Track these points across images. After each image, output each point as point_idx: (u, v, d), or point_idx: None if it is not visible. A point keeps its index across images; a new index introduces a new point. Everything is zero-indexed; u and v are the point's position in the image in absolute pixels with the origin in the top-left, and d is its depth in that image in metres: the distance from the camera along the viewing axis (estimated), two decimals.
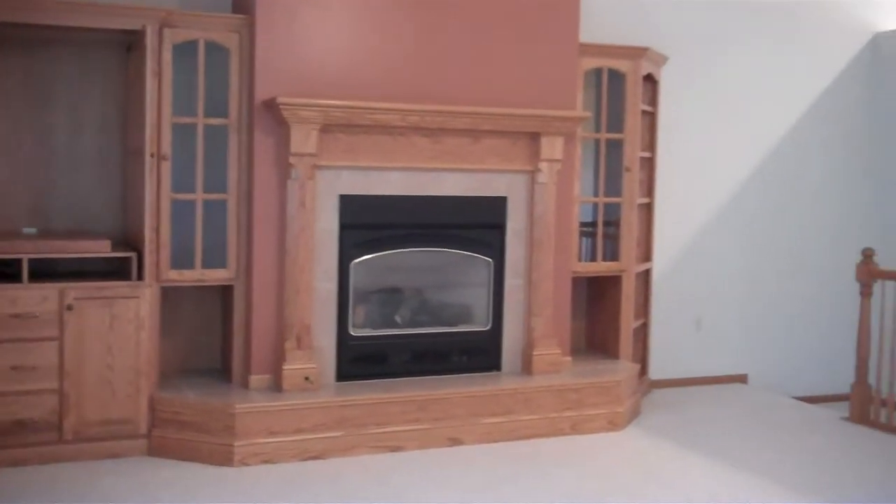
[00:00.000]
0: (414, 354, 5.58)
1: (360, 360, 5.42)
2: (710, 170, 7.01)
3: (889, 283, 6.02)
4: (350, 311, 5.37)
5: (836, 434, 5.91)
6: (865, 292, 6.09)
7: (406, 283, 5.85)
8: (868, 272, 6.07)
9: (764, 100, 7.13)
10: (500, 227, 5.70)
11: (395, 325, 5.67)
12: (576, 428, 5.59)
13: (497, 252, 5.70)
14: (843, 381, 6.32)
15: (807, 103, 7.29)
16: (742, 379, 7.13)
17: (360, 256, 5.39)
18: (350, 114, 5.14)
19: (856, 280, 6.11)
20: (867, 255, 6.09)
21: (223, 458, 4.84)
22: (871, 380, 6.11)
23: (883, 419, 6.03)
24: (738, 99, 7.03)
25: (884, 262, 6.09)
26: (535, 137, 5.63)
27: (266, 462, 4.88)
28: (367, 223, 5.43)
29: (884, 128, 7.40)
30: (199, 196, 5.15)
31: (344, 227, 5.32)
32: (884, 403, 6.06)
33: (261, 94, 5.09)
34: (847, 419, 6.18)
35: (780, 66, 7.15)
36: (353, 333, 5.39)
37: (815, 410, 6.56)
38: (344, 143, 5.23)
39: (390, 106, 5.21)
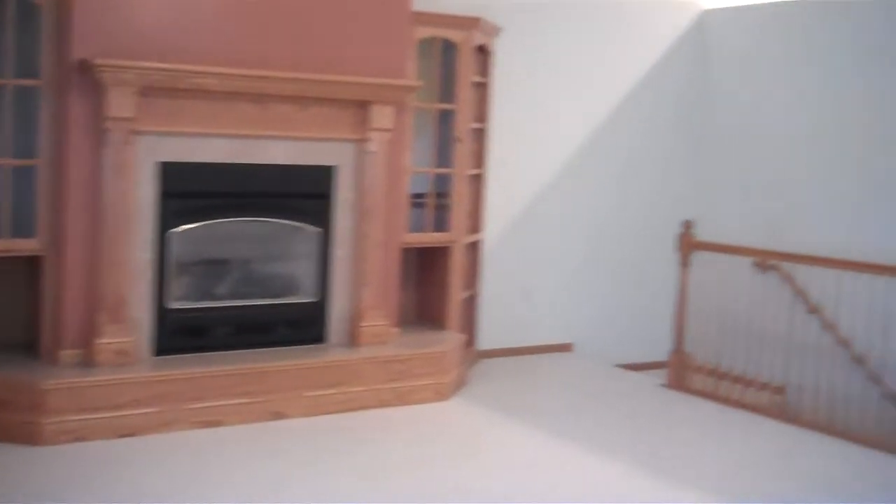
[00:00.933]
0: (237, 327, 5.45)
1: (179, 334, 5.26)
2: (541, 141, 7.09)
3: (707, 254, 6.22)
4: (169, 283, 5.19)
5: (654, 400, 6.11)
6: (684, 262, 6.29)
7: (231, 254, 5.69)
8: (687, 243, 6.28)
9: (595, 73, 7.24)
10: (328, 197, 5.61)
11: (217, 297, 5.52)
12: (402, 399, 5.59)
13: (325, 222, 5.62)
14: (663, 349, 6.52)
15: (636, 77, 7.45)
16: (567, 348, 7.29)
17: (180, 226, 5.21)
18: (170, 77, 4.94)
19: (675, 251, 6.31)
20: (687, 226, 6.29)
21: (31, 436, 4.62)
22: (689, 347, 6.34)
23: (699, 385, 6.27)
24: (570, 72, 7.12)
25: (703, 233, 6.29)
26: (364, 106, 5.55)
27: (78, 440, 4.68)
28: (189, 191, 5.25)
29: (709, 103, 7.63)
30: (4, 161, 4.86)
31: (164, 195, 5.12)
32: (699, 370, 6.30)
33: (76, 54, 4.82)
34: (665, 386, 6.40)
35: (611, 41, 7.28)
36: (172, 306, 5.21)
37: (635, 378, 6.77)
38: (165, 108, 5.03)
39: (212, 70, 5.03)
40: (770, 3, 7.17)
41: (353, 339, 5.68)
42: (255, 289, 5.68)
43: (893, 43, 6.32)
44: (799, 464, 4.99)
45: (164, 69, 4.91)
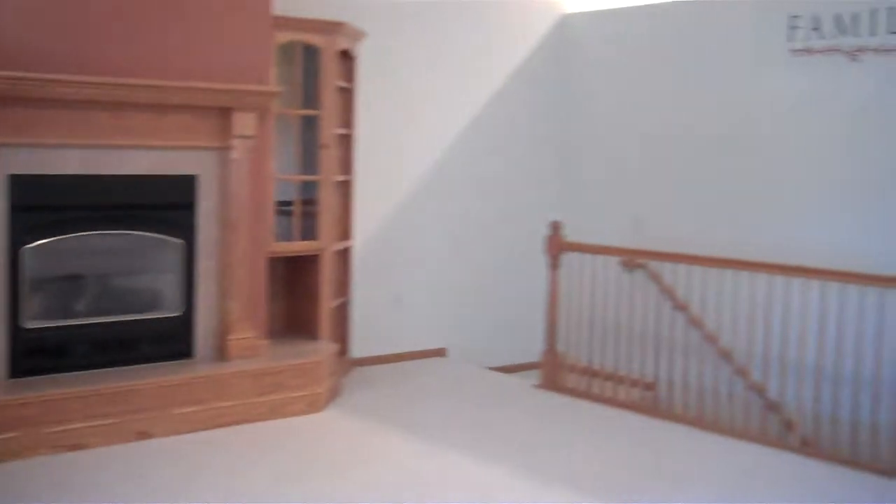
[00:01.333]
0: (98, 345, 5.22)
1: (36, 354, 5.00)
2: (408, 146, 7.05)
3: (575, 255, 6.28)
4: (23, 302, 4.93)
5: (529, 401, 6.13)
6: (554, 264, 6.34)
7: (90, 270, 5.44)
8: (556, 244, 6.33)
9: (459, 77, 7.25)
10: (190, 208, 5.44)
11: (76, 315, 5.26)
12: (275, 412, 5.46)
13: (188, 233, 5.44)
14: (536, 350, 6.56)
15: (500, 81, 7.49)
16: (441, 353, 7.27)
17: (33, 241, 4.96)
18: (17, 86, 4.69)
19: (545, 252, 6.35)
20: (555, 227, 6.34)
21: None
22: (561, 347, 6.39)
23: (572, 384, 6.32)
24: (434, 76, 7.11)
25: (571, 234, 6.35)
26: (226, 113, 5.40)
27: None
28: (43, 205, 5.00)
29: (572, 105, 7.73)
30: None
31: (16, 209, 4.87)
32: (571, 369, 6.35)
33: None
34: (539, 386, 6.43)
35: (474, 45, 7.30)
36: (27, 325, 4.96)
37: (509, 380, 6.79)
38: (15, 119, 4.78)
39: (63, 77, 4.81)
40: (626, 8, 7.31)
41: (221, 353, 5.51)
42: (117, 304, 5.45)
43: (740, 45, 6.51)
44: (672, 458, 5.07)
45: (13, 77, 4.66)
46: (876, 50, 5.80)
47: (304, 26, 5.86)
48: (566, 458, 5.01)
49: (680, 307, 6.01)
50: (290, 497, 4.36)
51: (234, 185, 5.47)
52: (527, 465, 4.87)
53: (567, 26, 7.72)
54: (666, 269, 6.08)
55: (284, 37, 5.80)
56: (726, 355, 5.72)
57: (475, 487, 4.57)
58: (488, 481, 4.66)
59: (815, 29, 6.08)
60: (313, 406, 5.60)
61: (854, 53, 5.90)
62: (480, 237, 7.47)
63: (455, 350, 7.28)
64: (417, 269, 7.17)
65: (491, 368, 7.11)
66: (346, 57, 6.31)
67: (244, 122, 5.45)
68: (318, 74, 5.97)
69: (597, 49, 7.56)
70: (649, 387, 6.01)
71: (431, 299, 7.26)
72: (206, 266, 5.48)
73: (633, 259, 6.27)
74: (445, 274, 7.32)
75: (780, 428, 5.41)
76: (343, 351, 6.44)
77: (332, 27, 5.95)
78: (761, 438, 5.34)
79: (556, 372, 6.39)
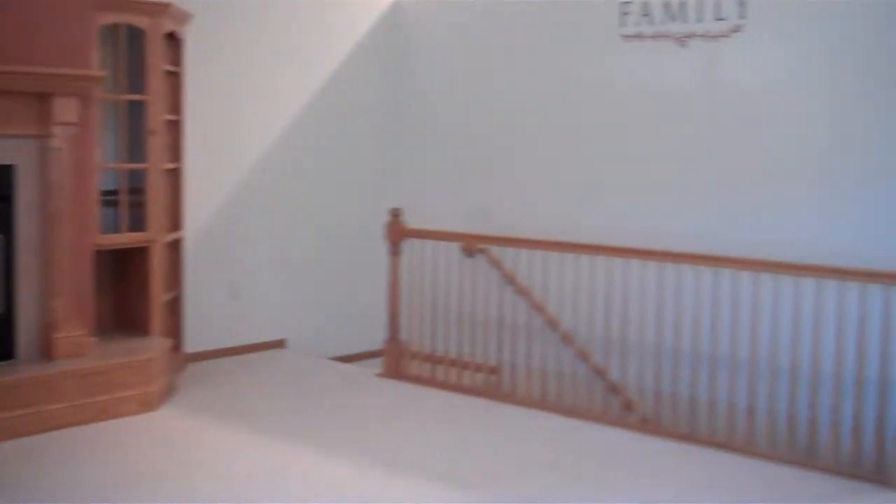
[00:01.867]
0: None
1: None
2: (240, 133, 6.83)
3: (417, 241, 6.22)
4: None
5: (372, 390, 6.04)
6: (395, 251, 6.27)
7: None
8: (396, 231, 6.25)
9: (294, 62, 7.07)
10: (9, 200, 5.09)
11: None
12: (107, 412, 5.18)
13: (7, 227, 5.09)
14: (378, 338, 6.48)
15: (335, 67, 7.34)
16: (281, 344, 7.09)
17: None
18: None
19: (385, 239, 6.27)
20: (395, 214, 6.26)
21: None
22: (403, 335, 6.33)
23: (415, 372, 6.27)
24: (267, 61, 6.91)
25: (413, 220, 6.29)
26: (45, 98, 5.07)
27: None
28: None
29: (411, 92, 7.64)
30: None
31: None
32: (414, 356, 6.30)
33: None
34: (382, 375, 6.35)
35: (307, 29, 7.12)
36: None
37: (351, 369, 6.69)
38: None
39: None
40: None
41: (46, 353, 5.19)
42: None
43: (575, 31, 6.59)
44: (519, 441, 5.08)
45: None
46: (703, 36, 5.96)
47: (128, 7, 5.57)
48: (413, 447, 4.95)
49: (521, 292, 6.04)
50: (123, 500, 4.13)
51: (55, 176, 5.14)
52: (373, 454, 4.79)
53: (402, 11, 7.63)
54: (508, 255, 6.08)
55: (107, 18, 5.50)
56: (568, 339, 5.78)
57: (321, 480, 4.45)
58: (334, 473, 4.54)
59: (646, 15, 6.20)
60: (147, 405, 5.34)
61: (682, 39, 6.05)
62: (319, 225, 7.32)
63: (295, 341, 7.11)
64: (254, 260, 6.96)
65: (333, 359, 6.99)
66: (173, 40, 6.04)
67: (65, 109, 5.13)
68: (143, 57, 5.68)
69: (434, 35, 7.51)
70: (493, 371, 6.01)
71: (269, 290, 7.07)
72: (27, 261, 5.14)
73: (473, 244, 6.26)
74: (284, 264, 7.13)
75: (620, 407, 5.51)
76: (177, 346, 6.19)
77: (157, 9, 5.67)
78: (603, 418, 5.43)
79: (399, 360, 6.32)
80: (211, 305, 6.64)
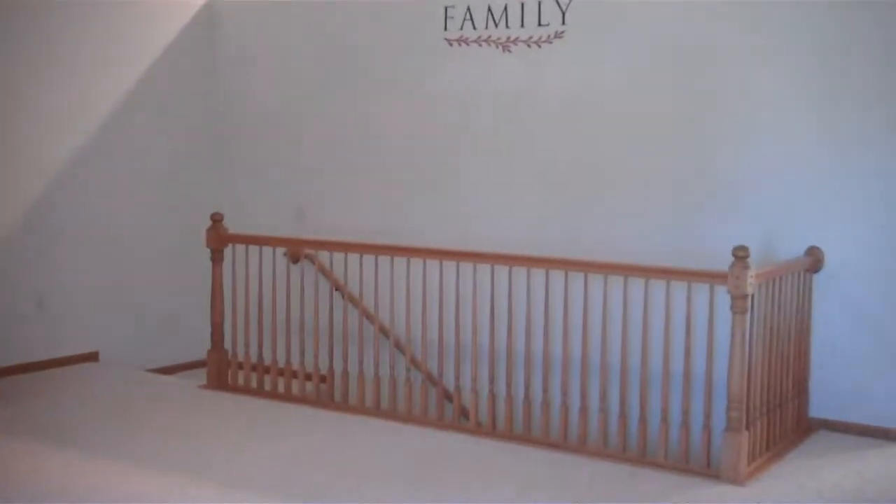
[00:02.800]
0: None
1: None
2: (46, 136, 6.43)
3: (241, 247, 6.01)
4: None
5: (195, 403, 5.80)
6: (216, 257, 6.04)
7: None
8: (218, 237, 6.02)
9: (104, 63, 6.70)
10: None
11: None
12: None
13: None
14: (201, 348, 6.22)
15: (143, 68, 6.97)
16: (93, 357, 6.69)
17: None
18: None
19: (206, 246, 6.03)
20: (216, 219, 6.03)
21: None
22: (228, 345, 6.10)
23: (240, 382, 6.06)
24: (75, 60, 6.52)
25: (237, 226, 6.08)
26: None
27: None
28: None
29: (232, 95, 7.36)
30: None
31: None
32: (240, 367, 6.08)
33: None
34: (205, 387, 6.10)
35: (116, 29, 6.75)
36: None
37: (172, 381, 6.42)
38: None
39: None
40: None
41: None
42: None
43: (400, 35, 6.55)
44: (351, 449, 4.97)
45: None
46: (526, 41, 6.03)
47: None
48: (240, 460, 4.75)
49: (349, 297, 5.92)
50: None
51: None
52: (199, 470, 4.57)
53: (217, 10, 7.35)
54: (338, 260, 5.93)
55: None
56: (400, 345, 5.70)
57: (144, 499, 4.19)
58: (158, 492, 4.29)
59: (469, 20, 6.21)
60: None
61: (506, 44, 6.10)
62: (135, 233, 6.95)
63: (109, 353, 6.73)
64: (62, 270, 6.55)
65: (152, 370, 6.66)
66: None
67: None
68: None
69: (252, 36, 7.27)
70: (323, 379, 5.87)
71: (79, 300, 6.66)
72: None
73: (297, 249, 6.12)
74: (96, 273, 6.73)
75: (456, 412, 5.48)
76: None
77: None
78: (439, 423, 5.40)
79: (223, 370, 6.09)
80: (13, 318, 6.22)
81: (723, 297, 4.56)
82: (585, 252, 5.26)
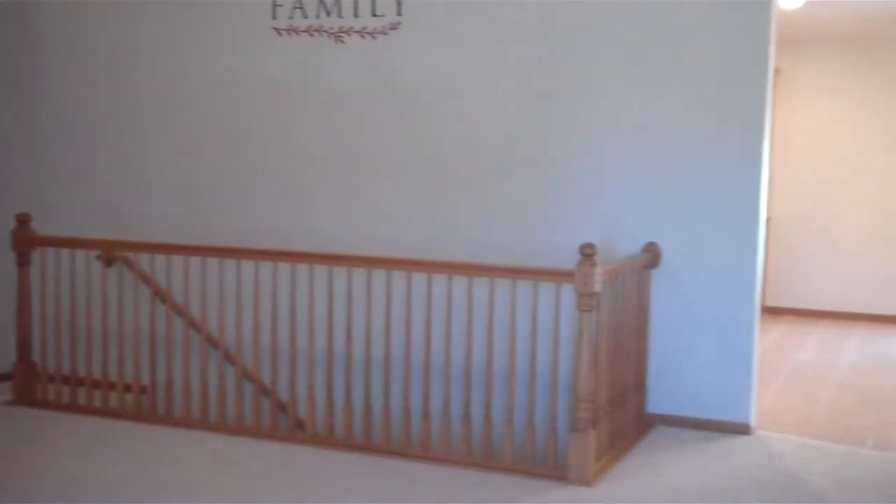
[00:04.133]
0: None
1: None
2: None
3: (50, 250, 5.52)
4: None
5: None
6: (23, 261, 5.54)
7: None
8: (24, 239, 5.53)
9: None
10: None
11: None
12: None
13: None
14: (6, 360, 5.69)
15: None
16: None
17: None
18: None
19: (12, 249, 5.51)
20: (22, 220, 5.53)
21: None
22: (36, 356, 5.60)
23: (51, 397, 5.57)
24: None
25: (47, 228, 5.60)
26: None
27: None
28: None
29: (38, 90, 6.72)
30: None
31: None
32: (51, 379, 5.59)
33: None
34: (10, 402, 5.58)
35: None
36: None
37: None
38: None
39: None
40: None
41: None
42: None
43: (228, 23, 6.18)
44: (175, 465, 4.61)
45: None
46: (360, 32, 5.80)
47: None
48: (52, 480, 4.32)
49: (172, 305, 5.51)
50: None
51: None
52: (6, 494, 4.13)
53: (26, 4, 6.72)
54: (160, 265, 5.49)
55: None
56: (229, 355, 5.34)
57: None
58: None
59: (298, 8, 5.93)
60: None
61: (339, 35, 5.85)
62: None
63: None
64: None
65: None
66: None
67: None
68: None
69: (61, 30, 6.68)
70: (144, 391, 5.46)
71: None
72: None
73: (111, 252, 5.69)
74: None
75: (290, 423, 5.19)
76: None
77: None
78: (273, 435, 5.10)
79: (31, 384, 5.58)
80: None
81: (568, 295, 4.47)
82: (427, 252, 5.08)
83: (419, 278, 4.82)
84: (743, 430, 5.19)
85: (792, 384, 6.60)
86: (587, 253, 4.30)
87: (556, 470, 4.53)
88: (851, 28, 8.66)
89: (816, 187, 9.32)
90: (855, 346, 7.99)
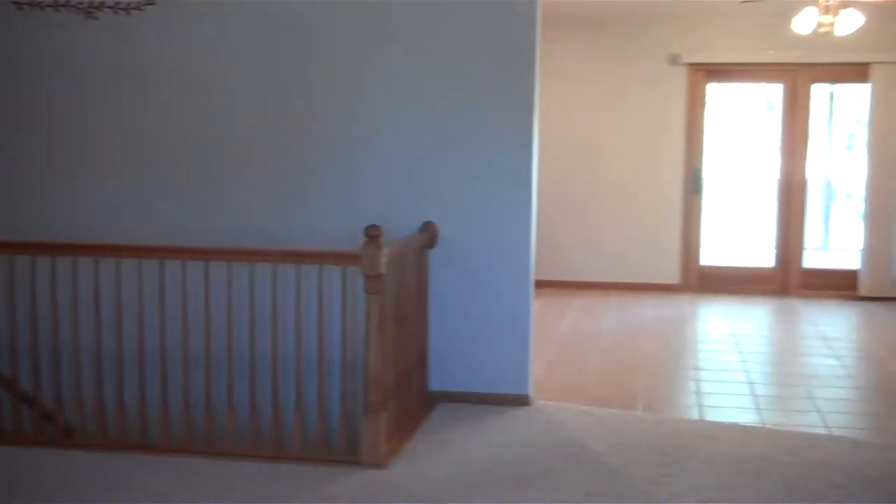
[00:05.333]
0: None
1: None
2: None
3: None
4: None
5: None
6: None
7: None
8: None
9: None
10: None
11: None
12: None
13: None
14: None
15: None
16: None
17: None
18: None
19: None
20: None
21: None
22: None
23: None
24: None
25: None
26: None
27: None
28: None
29: None
30: None
31: None
32: None
33: None
34: None
35: None
36: None
37: None
38: None
39: None
40: None
41: None
42: None
43: None
44: None
45: None
46: (113, 8, 5.45)
47: None
48: None
49: None
50: None
51: None
52: None
53: None
54: None
55: None
56: None
57: None
58: None
59: None
60: None
61: (90, 10, 5.47)
62: None
63: None
64: None
65: None
66: None
67: None
68: None
69: None
70: None
71: None
72: None
73: None
74: None
75: (58, 430, 4.84)
76: None
77: None
78: (39, 441, 4.74)
79: None
80: None
81: (352, 277, 4.41)
82: (207, 240, 4.87)
83: (194, 267, 4.62)
84: (523, 401, 5.33)
85: (561, 354, 6.84)
86: (372, 234, 4.24)
87: (347, 455, 4.47)
88: (594, 12, 9.04)
89: (571, 165, 9.68)
90: (613, 315, 8.39)
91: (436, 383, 5.40)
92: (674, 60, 9.35)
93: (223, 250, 4.60)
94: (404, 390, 4.91)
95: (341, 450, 4.52)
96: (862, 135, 9.82)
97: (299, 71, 5.36)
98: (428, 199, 5.28)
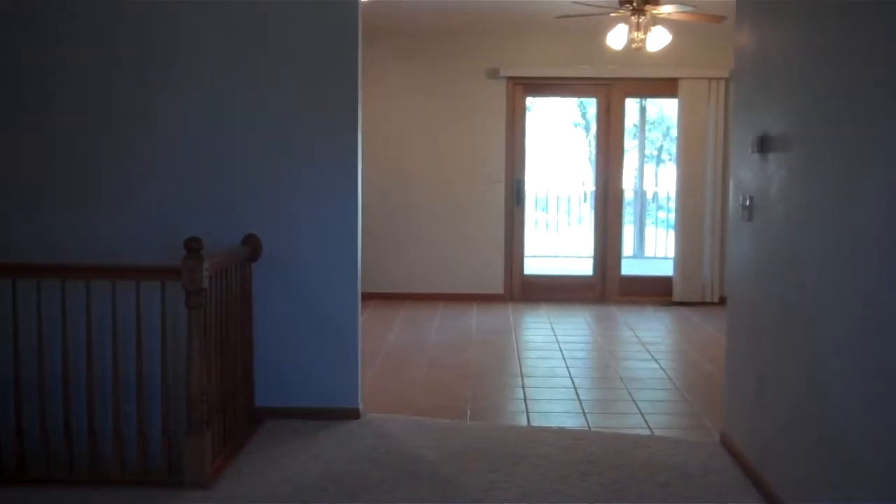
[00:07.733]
0: None
1: None
2: None
3: None
4: None
5: None
6: None
7: None
8: None
9: None
10: None
11: None
12: None
13: None
14: None
15: None
16: None
17: None
18: None
19: None
20: None
21: None
22: None
23: None
24: None
25: None
26: None
27: None
28: None
29: None
30: None
31: None
32: None
33: None
34: None
35: None
36: None
37: None
38: None
39: None
40: None
41: None
42: None
43: None
44: None
45: None
46: None
47: None
48: None
49: None
50: None
51: None
52: None
53: None
54: None
55: None
56: None
57: None
58: None
59: None
60: None
61: None
62: None
63: None
64: None
65: None
66: None
67: None
68: None
69: None
70: None
71: None
72: None
73: None
74: None
75: None
76: None
77: None
78: None
79: None
80: None
81: (172, 292, 4.25)
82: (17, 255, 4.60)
83: (2, 284, 4.35)
84: (353, 414, 5.27)
85: (388, 365, 6.81)
86: (193, 247, 4.11)
87: (170, 477, 4.30)
88: (413, 25, 9.10)
89: (394, 177, 9.68)
90: (437, 325, 8.42)
91: (263, 399, 5.28)
92: (493, 74, 9.50)
93: (32, 266, 4.35)
94: (229, 408, 4.77)
95: (163, 472, 4.33)
96: (672, 147, 10.26)
97: (125, 82, 5.12)
98: (250, 212, 5.16)
